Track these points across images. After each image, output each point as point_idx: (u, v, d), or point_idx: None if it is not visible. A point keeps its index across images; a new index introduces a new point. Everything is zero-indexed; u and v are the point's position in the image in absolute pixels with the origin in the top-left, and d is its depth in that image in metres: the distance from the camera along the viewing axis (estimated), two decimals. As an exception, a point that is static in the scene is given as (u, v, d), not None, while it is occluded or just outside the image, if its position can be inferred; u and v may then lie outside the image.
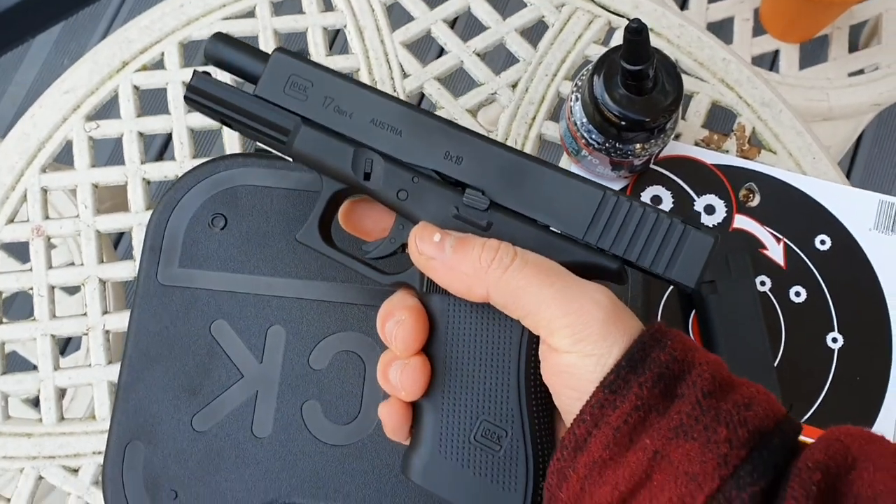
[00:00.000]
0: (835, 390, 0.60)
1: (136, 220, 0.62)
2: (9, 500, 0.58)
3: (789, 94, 0.95)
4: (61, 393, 0.60)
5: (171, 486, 0.50)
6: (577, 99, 0.58)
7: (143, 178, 0.63)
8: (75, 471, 0.58)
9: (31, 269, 0.61)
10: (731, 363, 0.57)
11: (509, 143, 0.63)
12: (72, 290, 0.93)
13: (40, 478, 0.58)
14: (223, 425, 0.51)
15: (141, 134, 0.64)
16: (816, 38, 1.02)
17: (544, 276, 0.37)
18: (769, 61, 1.23)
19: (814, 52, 1.03)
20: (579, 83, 0.58)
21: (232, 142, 0.63)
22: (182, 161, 0.63)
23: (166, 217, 0.54)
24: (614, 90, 0.55)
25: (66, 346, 1.10)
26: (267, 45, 0.66)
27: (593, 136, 0.57)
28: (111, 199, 0.78)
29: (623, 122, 0.55)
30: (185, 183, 0.54)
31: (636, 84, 0.54)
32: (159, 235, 0.53)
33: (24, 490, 0.57)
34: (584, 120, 0.57)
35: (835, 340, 0.60)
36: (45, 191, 0.63)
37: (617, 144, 0.57)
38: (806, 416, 0.59)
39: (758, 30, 1.01)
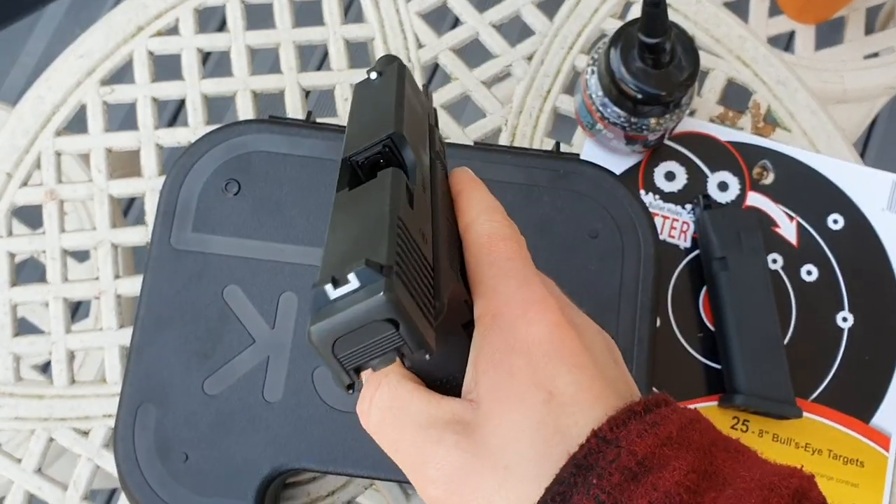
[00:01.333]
0: (843, 369, 0.60)
1: (148, 185, 0.62)
2: (20, 460, 0.58)
3: (804, 75, 0.94)
4: (72, 356, 0.60)
5: (182, 448, 0.50)
6: (593, 72, 0.58)
7: (157, 144, 0.63)
8: (86, 433, 0.58)
9: (43, 233, 0.62)
10: (741, 341, 0.57)
11: (523, 116, 0.62)
12: (81, 258, 0.93)
13: (51, 440, 0.58)
14: (234, 389, 0.51)
15: (155, 99, 0.64)
16: (832, 20, 1.01)
17: (392, 438, 0.30)
18: (784, 42, 1.22)
19: (829, 34, 1.02)
20: (595, 56, 0.58)
21: (246, 108, 0.63)
22: (196, 127, 0.63)
23: (180, 181, 0.54)
24: (631, 63, 0.55)
25: (73, 314, 1.11)
26: (281, 13, 0.65)
27: (609, 110, 0.57)
28: (121, 168, 0.78)
29: (639, 96, 0.55)
30: (200, 148, 0.54)
31: (653, 57, 0.54)
32: (173, 199, 0.53)
33: (35, 451, 0.58)
34: (600, 93, 0.57)
35: (845, 320, 0.61)
36: (58, 154, 0.63)
37: (632, 119, 0.57)
38: (814, 395, 0.59)
39: (773, 10, 1.00)
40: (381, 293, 0.25)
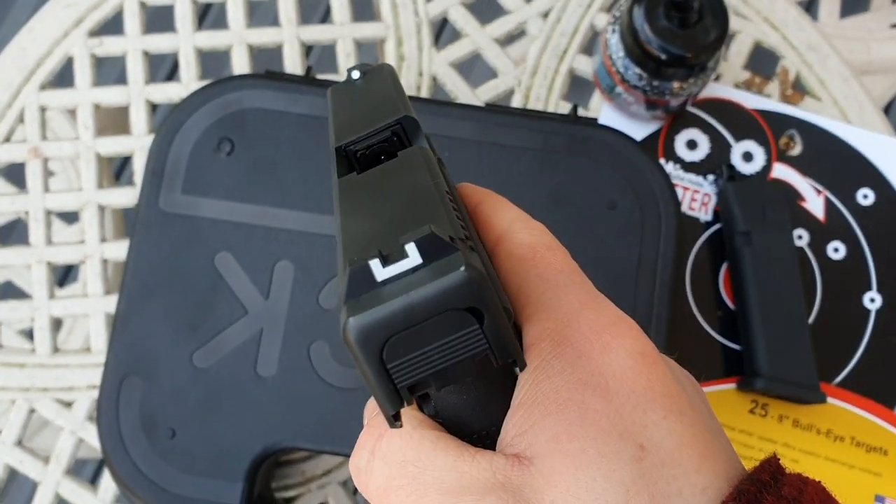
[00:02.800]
0: (869, 352, 0.56)
1: (138, 143, 0.58)
2: (0, 431, 0.55)
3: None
4: (56, 324, 0.57)
5: (169, 424, 0.47)
6: (614, 31, 0.54)
7: (147, 100, 0.59)
8: (69, 404, 0.55)
9: (27, 193, 0.58)
10: (764, 321, 0.54)
11: (538, 77, 0.58)
12: (70, 220, 0.90)
13: (32, 411, 0.55)
14: (225, 363, 0.48)
15: (146, 53, 0.60)
16: (859, -14, 0.96)
17: None
18: (806, 8, 1.17)
19: (854, 1, 0.98)
20: (617, 14, 0.54)
21: (242, 63, 0.59)
22: (189, 83, 0.59)
23: (170, 139, 0.50)
24: (656, 21, 0.51)
25: (64, 279, 1.08)
26: (282, -37, 0.61)
27: (630, 72, 0.53)
28: (111, 126, 0.74)
29: (663, 57, 0.51)
30: (191, 103, 0.51)
31: (680, 16, 0.51)
32: (162, 158, 0.50)
33: (15, 422, 0.55)
34: (622, 54, 0.53)
35: (872, 300, 0.57)
36: (43, 110, 0.59)
37: (654, 82, 0.53)
38: (837, 379, 0.56)
39: (798, -25, 0.96)
40: (462, 268, 0.18)
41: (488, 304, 0.19)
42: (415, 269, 0.19)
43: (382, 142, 0.26)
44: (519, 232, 0.26)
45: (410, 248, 0.19)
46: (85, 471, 0.92)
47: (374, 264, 0.19)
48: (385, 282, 0.19)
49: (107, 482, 0.54)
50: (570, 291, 0.24)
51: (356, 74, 0.30)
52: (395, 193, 0.22)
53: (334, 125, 0.28)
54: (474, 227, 0.28)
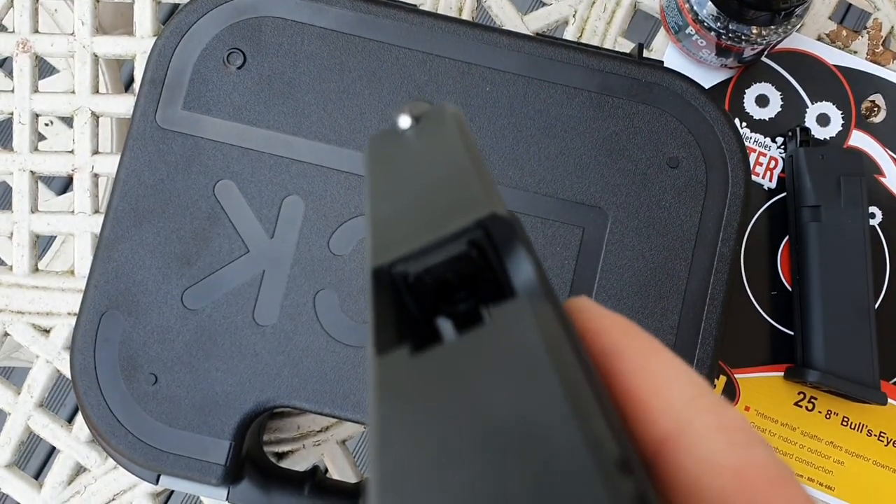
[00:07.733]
0: (935, 351, 0.51)
1: (140, 46, 0.52)
2: (-30, 353, 0.50)
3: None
4: (37, 240, 0.51)
5: (151, 368, 0.42)
6: (691, -39, 0.47)
7: (153, -2, 0.52)
8: (47, 331, 0.50)
9: (12, 91, 0.52)
10: (824, 308, 0.48)
11: (596, 8, 0.51)
12: (70, 124, 0.84)
13: (6, 334, 0.50)
14: (220, 306, 0.42)
15: (155, -57, 0.53)
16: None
17: None
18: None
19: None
20: (698, -59, 0.47)
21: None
22: (200, -18, 0.52)
23: (173, 45, 0.44)
24: (745, -47, 0.44)
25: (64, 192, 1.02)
26: None
27: (705, 10, 0.46)
28: (122, 27, 0.68)
29: (748, -4, 0.44)
30: (200, 5, 0.44)
31: (773, -51, 0.43)
32: (163, 66, 0.43)
33: (-13, 345, 0.50)
34: (699, -12, 0.46)
35: (945, 293, 0.51)
36: (36, -1, 0.53)
37: (731, 25, 0.46)
38: (897, 377, 0.50)
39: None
40: None
41: None
42: None
43: (455, 259, 0.17)
44: (709, 437, 0.15)
45: None
46: (67, 406, 0.87)
47: None
48: None
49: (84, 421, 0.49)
50: None
51: (406, 122, 0.20)
52: (496, 440, 0.12)
53: (372, 219, 0.18)
54: (612, 405, 0.15)
